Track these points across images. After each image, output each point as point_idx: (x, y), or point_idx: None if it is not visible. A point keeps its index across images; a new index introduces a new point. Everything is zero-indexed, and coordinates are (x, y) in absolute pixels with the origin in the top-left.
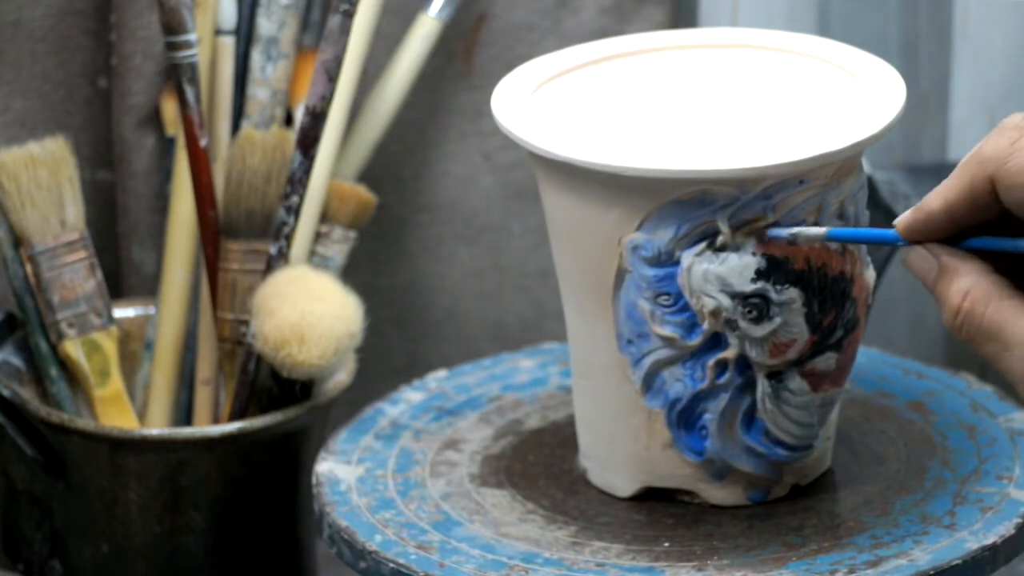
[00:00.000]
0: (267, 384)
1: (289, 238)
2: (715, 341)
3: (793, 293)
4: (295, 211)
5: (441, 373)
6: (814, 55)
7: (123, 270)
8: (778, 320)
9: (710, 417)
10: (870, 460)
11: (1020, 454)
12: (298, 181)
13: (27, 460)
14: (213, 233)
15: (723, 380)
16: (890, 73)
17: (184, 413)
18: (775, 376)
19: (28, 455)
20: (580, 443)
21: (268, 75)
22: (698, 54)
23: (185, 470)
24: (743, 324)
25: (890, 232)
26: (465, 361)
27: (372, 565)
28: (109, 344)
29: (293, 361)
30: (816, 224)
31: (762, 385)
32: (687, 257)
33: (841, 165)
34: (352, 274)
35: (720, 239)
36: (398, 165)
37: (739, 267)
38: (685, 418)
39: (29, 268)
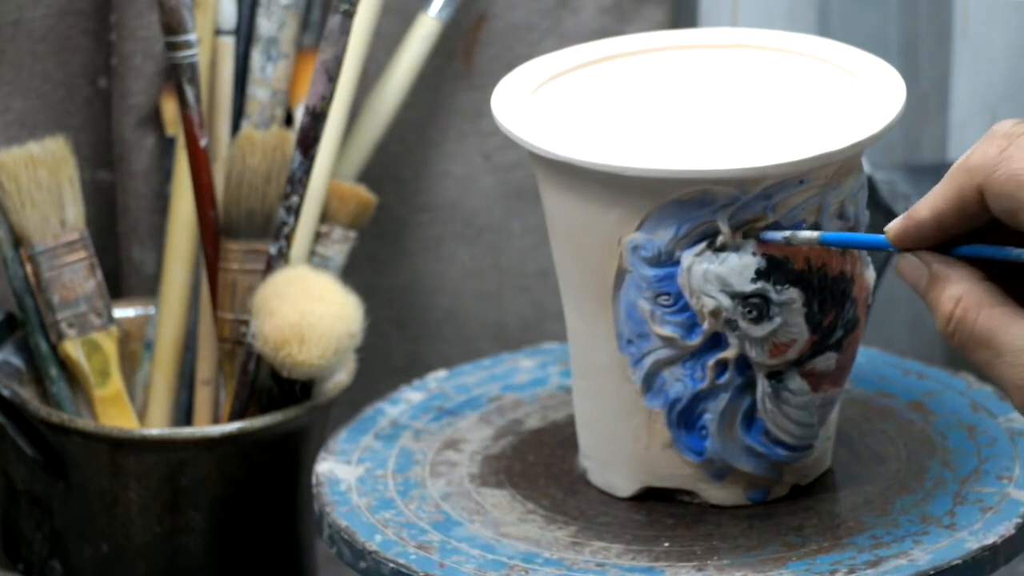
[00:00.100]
0: (267, 384)
1: (289, 238)
2: (715, 341)
3: (793, 293)
4: (295, 211)
5: (441, 373)
6: (814, 55)
7: (123, 270)
8: (778, 320)
9: (710, 417)
10: (870, 460)
11: (1020, 454)
12: (298, 181)
13: (27, 460)
14: (213, 233)
15: (723, 380)
16: (890, 73)
17: (184, 413)
18: (775, 376)
19: (28, 455)
20: (580, 443)
21: (268, 75)
22: (698, 54)
23: (185, 470)
24: (743, 324)
25: (882, 238)
26: (465, 361)
27: (372, 565)
28: (109, 344)
29: (293, 361)
30: (816, 224)
31: (762, 385)
32: (687, 257)
33: (841, 165)
34: (352, 274)
35: (720, 239)
36: (398, 165)
37: (739, 267)
38: (685, 418)
39: (29, 268)
